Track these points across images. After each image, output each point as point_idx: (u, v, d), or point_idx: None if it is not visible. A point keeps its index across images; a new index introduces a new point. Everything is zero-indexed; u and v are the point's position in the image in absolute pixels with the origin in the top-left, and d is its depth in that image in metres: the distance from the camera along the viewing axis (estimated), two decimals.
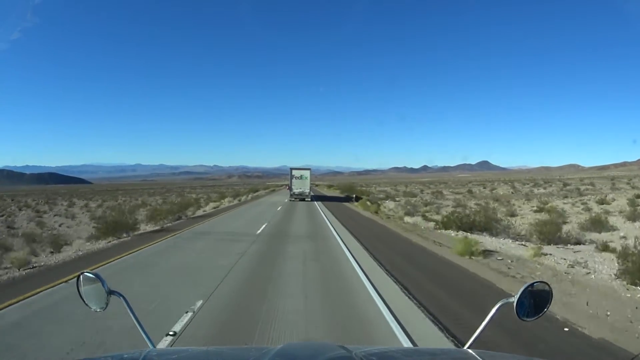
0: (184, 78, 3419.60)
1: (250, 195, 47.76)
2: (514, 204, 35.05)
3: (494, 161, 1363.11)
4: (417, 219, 18.84)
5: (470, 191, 56.24)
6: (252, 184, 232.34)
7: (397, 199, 39.90)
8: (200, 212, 24.34)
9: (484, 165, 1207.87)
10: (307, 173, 35.35)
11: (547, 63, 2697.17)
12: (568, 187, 62.51)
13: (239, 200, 37.03)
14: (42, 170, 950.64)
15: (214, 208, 27.02)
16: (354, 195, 39.78)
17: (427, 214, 22.45)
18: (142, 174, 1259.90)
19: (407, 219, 19.51)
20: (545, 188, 63.41)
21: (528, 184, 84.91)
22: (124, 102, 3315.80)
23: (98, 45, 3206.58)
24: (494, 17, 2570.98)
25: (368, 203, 26.87)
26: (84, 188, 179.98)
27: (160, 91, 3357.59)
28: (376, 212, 22.15)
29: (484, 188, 67.28)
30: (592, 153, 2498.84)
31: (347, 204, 32.67)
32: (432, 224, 17.90)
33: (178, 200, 50.44)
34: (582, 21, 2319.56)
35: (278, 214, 20.88)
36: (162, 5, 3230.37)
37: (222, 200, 36.44)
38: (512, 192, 50.28)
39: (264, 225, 15.78)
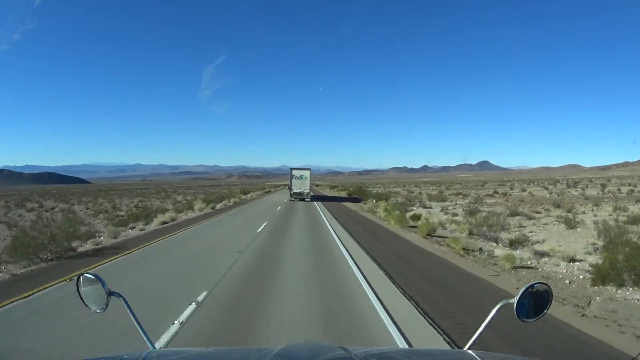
0: (183, 78, 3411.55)
1: (234, 200, 37.98)
2: (584, 212, 26.52)
3: (494, 161, 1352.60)
4: (518, 253, 9.92)
5: (503, 193, 47.46)
6: (251, 183, 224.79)
7: (427, 204, 30.97)
8: (132, 233, 15.22)
9: (484, 165, 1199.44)
10: (307, 173, 35.07)
11: (546, 63, 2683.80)
12: (608, 189, 54.39)
13: (213, 208, 27.33)
14: (42, 170, 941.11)
15: (163, 224, 17.41)
16: (374, 200, 30.64)
17: (500, 236, 13.78)
18: (142, 173, 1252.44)
19: (488, 247, 10.86)
20: (583, 189, 54.92)
21: (554, 184, 76.25)
22: (124, 102, 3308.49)
23: (98, 45, 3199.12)
24: (494, 17, 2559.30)
25: (397, 213, 18.07)
26: (78, 188, 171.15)
27: (160, 91, 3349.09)
28: (430, 235, 13.11)
29: (512, 189, 58.58)
30: (592, 153, 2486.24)
31: (364, 212, 23.89)
32: (563, 264, 9.12)
33: (143, 205, 42.51)
34: (582, 20, 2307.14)
35: (254, 246, 11.19)
36: (162, 5, 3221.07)
37: (196, 206, 27.35)
38: (558, 195, 41.38)
39: (199, 299, 6.04)
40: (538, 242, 13.34)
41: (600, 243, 12.03)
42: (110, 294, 1.67)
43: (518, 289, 1.69)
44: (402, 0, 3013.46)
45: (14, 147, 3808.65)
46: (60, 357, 4.11)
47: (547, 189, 57.07)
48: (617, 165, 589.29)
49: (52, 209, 47.57)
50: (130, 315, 1.67)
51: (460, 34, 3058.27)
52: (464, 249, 10.20)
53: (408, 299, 6.26)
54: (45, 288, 6.90)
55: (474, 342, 1.63)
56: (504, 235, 13.94)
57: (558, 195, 40.80)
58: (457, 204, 30.16)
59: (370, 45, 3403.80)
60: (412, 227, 15.31)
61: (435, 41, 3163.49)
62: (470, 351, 1.51)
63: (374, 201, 28.88)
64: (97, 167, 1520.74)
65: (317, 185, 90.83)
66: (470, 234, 13.53)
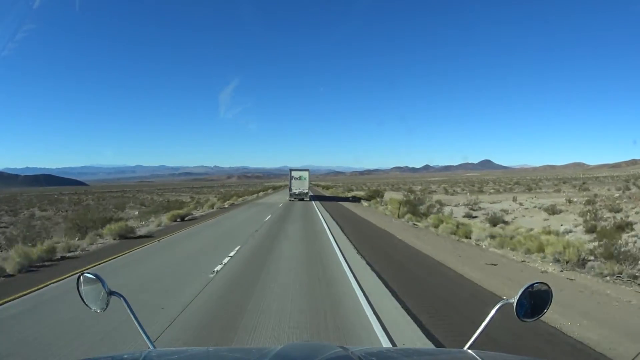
0: (184, 78, 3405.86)
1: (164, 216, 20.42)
2: None
3: (496, 160, 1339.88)
4: None
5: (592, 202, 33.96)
6: (250, 184, 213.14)
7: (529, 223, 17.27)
8: None
9: (486, 164, 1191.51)
10: (305, 174, 35.85)
11: (547, 61, 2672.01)
12: None
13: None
14: (43, 172, 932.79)
15: None
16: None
17: None
18: (142, 175, 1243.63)
19: None
20: None
21: (601, 180, 63.52)
22: (124, 103, 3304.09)
23: (98, 47, 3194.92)
24: (495, 15, 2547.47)
25: None
26: (68, 190, 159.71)
27: (161, 92, 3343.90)
28: None
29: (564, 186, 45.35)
30: (596, 151, 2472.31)
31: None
32: None
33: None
34: (581, 19, 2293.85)
35: None
36: (162, 6, 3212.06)
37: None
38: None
39: None
40: None
41: None
42: (111, 293, 1.66)
43: None
44: (403, 0, 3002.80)
45: (15, 149, 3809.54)
46: None
47: (624, 189, 43.07)
48: (627, 163, 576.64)
49: None
50: (131, 315, 1.65)
51: (461, 33, 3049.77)
52: None
53: None
54: None
55: (474, 341, 1.60)
56: None
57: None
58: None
59: (370, 45, 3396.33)
60: None
61: (436, 40, 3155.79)
62: (470, 350, 1.51)
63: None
64: (97, 169, 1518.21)
65: (327, 188, 76.20)
66: None
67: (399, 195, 45.20)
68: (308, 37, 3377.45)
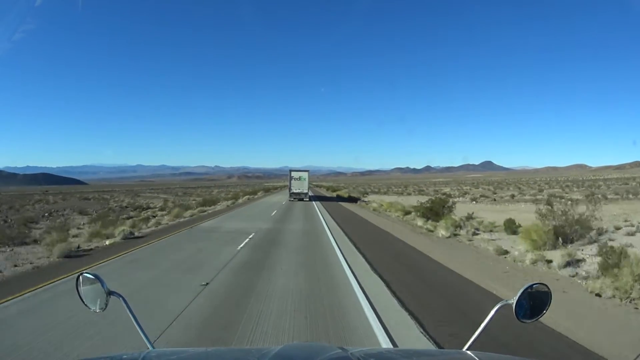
0: (186, 79, 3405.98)
1: None
2: None
3: (497, 161, 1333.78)
4: None
5: None
6: (250, 184, 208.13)
7: None
8: None
9: (488, 165, 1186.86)
10: (305, 175, 37.12)
11: (548, 62, 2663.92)
12: None
13: None
14: (43, 171, 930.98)
15: None
16: None
17: None
18: (142, 174, 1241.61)
19: None
20: None
21: None
22: (125, 102, 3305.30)
23: (99, 45, 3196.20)
24: (496, 16, 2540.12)
25: None
26: (54, 190, 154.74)
27: (163, 92, 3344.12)
28: None
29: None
30: (598, 153, 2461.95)
31: None
32: None
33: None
34: (583, 20, 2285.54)
35: None
36: (162, 5, 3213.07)
37: None
38: None
39: None
40: None
41: None
42: (110, 293, 1.66)
43: None
44: (403, 0, 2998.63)
45: (15, 148, 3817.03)
46: None
47: None
48: (630, 165, 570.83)
49: None
50: (130, 315, 1.64)
51: (461, 33, 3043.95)
52: None
53: None
54: None
55: (473, 342, 1.60)
56: None
57: None
58: None
59: (370, 45, 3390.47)
60: None
61: (436, 40, 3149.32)
62: (469, 352, 1.51)
63: None
64: (98, 168, 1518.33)
65: (334, 191, 68.70)
66: None
67: (466, 204, 30.21)
68: (308, 37, 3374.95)
